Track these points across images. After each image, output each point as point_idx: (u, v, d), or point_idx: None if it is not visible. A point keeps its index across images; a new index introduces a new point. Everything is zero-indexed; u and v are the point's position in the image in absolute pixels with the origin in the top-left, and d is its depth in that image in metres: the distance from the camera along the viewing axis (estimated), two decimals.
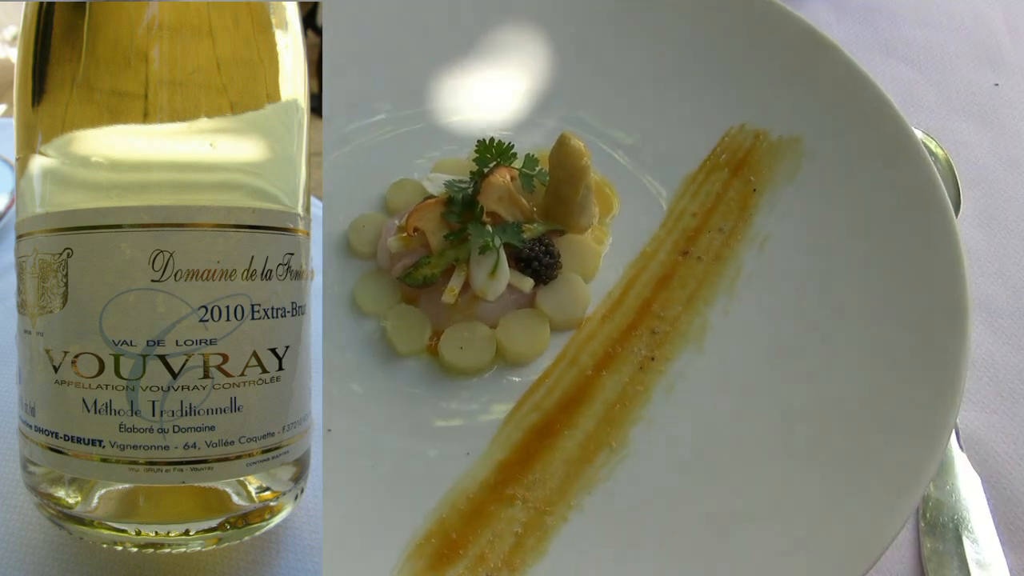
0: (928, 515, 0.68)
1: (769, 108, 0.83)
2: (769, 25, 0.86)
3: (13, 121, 0.51)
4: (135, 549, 0.49)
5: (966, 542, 0.66)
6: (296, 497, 0.54)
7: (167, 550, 0.49)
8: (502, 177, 0.75)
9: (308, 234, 0.54)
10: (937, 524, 0.67)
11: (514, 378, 0.71)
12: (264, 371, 0.49)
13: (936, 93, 1.00)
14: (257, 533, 0.52)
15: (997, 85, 1.00)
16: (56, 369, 0.47)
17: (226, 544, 0.52)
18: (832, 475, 0.60)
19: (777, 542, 0.58)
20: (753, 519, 0.60)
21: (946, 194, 0.72)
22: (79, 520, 0.49)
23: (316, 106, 0.86)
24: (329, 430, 0.68)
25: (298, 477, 0.54)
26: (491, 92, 0.89)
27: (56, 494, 0.49)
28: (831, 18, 1.06)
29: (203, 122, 0.46)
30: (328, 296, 0.76)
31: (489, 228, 0.72)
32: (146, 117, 0.46)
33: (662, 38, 0.89)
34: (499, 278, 0.72)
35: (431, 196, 0.77)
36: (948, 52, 1.03)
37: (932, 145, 0.91)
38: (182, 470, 0.47)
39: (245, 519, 0.50)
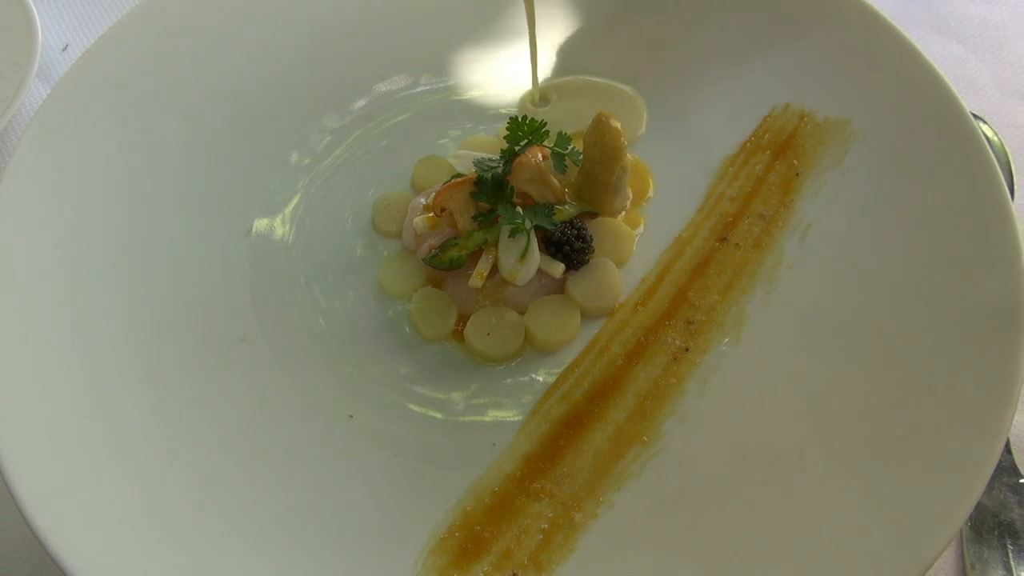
0: (973, 521, 0.65)
1: (815, 87, 0.79)
2: None
3: None
4: None
5: (1011, 550, 0.63)
6: None
7: None
8: (534, 156, 0.72)
9: None
10: (982, 531, 0.64)
11: (542, 367, 0.68)
12: None
13: (990, 74, 0.95)
14: None
15: None
16: None
17: None
18: (876, 480, 0.57)
19: (816, 546, 0.56)
20: (792, 521, 0.57)
21: (1004, 182, 0.68)
22: None
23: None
24: (351, 416, 0.66)
25: None
26: (522, 67, 0.85)
27: None
28: None
29: None
30: (351, 277, 0.74)
31: (519, 210, 0.69)
32: None
33: (702, 10, 0.85)
34: (529, 262, 0.69)
35: (459, 175, 0.74)
36: (1004, 30, 0.98)
37: (985, 129, 0.86)
38: None
39: None
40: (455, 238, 0.70)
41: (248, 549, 0.58)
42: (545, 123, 0.73)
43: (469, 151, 0.77)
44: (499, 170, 0.71)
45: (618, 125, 0.68)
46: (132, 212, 0.73)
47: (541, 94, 0.85)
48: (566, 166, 0.74)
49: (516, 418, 0.66)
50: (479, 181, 0.71)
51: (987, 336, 0.61)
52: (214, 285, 0.71)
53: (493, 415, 0.66)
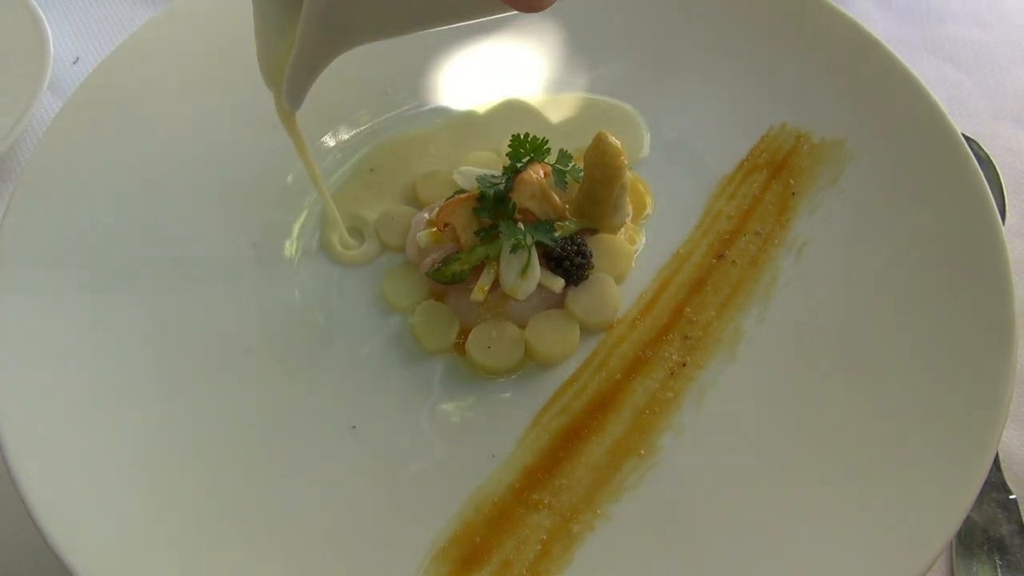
0: (962, 536, 0.66)
1: (812, 108, 0.81)
2: (812, 21, 0.83)
3: None
4: None
5: (1000, 566, 0.64)
6: None
7: None
8: (536, 173, 0.73)
9: None
10: (972, 546, 0.65)
11: (542, 380, 0.70)
12: None
13: (983, 96, 0.96)
14: None
15: None
16: None
17: None
18: (868, 494, 0.59)
19: (806, 560, 0.57)
20: (784, 535, 0.59)
21: (994, 203, 0.70)
22: None
23: None
24: (354, 427, 0.67)
25: None
26: (525, 84, 0.87)
27: None
28: (877, 15, 1.03)
29: None
30: (355, 290, 0.75)
31: (521, 226, 0.71)
32: None
33: (701, 32, 0.87)
34: (530, 277, 0.70)
35: (462, 190, 0.75)
36: (998, 53, 1.00)
37: (977, 150, 0.88)
38: None
39: None
40: (458, 253, 0.71)
41: (251, 557, 0.59)
42: (547, 140, 0.75)
43: (472, 167, 0.78)
44: (501, 186, 0.73)
45: (618, 144, 0.70)
46: (141, 223, 0.74)
47: (351, 230, 0.78)
48: (567, 183, 0.75)
49: (515, 430, 0.67)
50: (482, 197, 0.72)
51: (977, 354, 0.63)
52: (220, 296, 0.73)
53: (493, 427, 0.67)
